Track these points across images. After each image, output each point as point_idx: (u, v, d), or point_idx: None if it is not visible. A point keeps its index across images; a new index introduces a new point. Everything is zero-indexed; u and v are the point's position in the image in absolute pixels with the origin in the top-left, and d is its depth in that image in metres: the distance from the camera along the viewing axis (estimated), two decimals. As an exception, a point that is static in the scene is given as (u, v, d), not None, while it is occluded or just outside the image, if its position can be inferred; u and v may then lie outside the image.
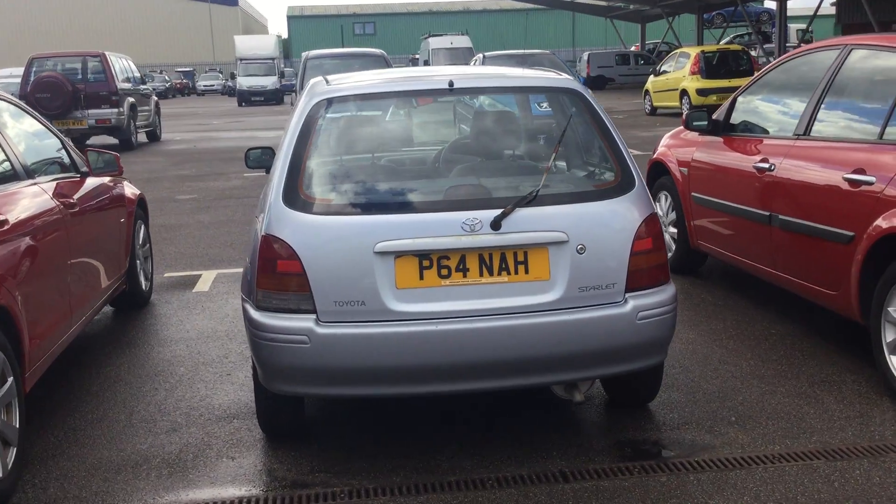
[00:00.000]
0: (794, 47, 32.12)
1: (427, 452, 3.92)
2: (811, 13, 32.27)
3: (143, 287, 6.46)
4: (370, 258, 3.52)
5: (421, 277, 3.54)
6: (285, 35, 75.30)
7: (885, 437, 3.93)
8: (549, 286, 3.61)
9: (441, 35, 34.00)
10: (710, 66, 21.76)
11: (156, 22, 73.50)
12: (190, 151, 18.57)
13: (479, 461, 3.83)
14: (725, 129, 6.09)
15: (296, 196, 3.66)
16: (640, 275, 3.71)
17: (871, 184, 4.43)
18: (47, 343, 4.29)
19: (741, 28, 44.55)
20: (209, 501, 3.59)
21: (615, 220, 3.71)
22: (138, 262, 6.34)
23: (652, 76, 24.66)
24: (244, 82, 41.97)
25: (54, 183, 4.96)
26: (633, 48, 44.85)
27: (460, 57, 30.00)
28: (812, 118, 5.13)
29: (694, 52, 22.52)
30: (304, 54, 16.45)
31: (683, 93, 21.82)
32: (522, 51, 19.37)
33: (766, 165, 5.33)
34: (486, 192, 3.73)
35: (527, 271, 3.60)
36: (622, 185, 3.81)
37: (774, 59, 28.88)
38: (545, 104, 5.10)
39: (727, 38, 41.93)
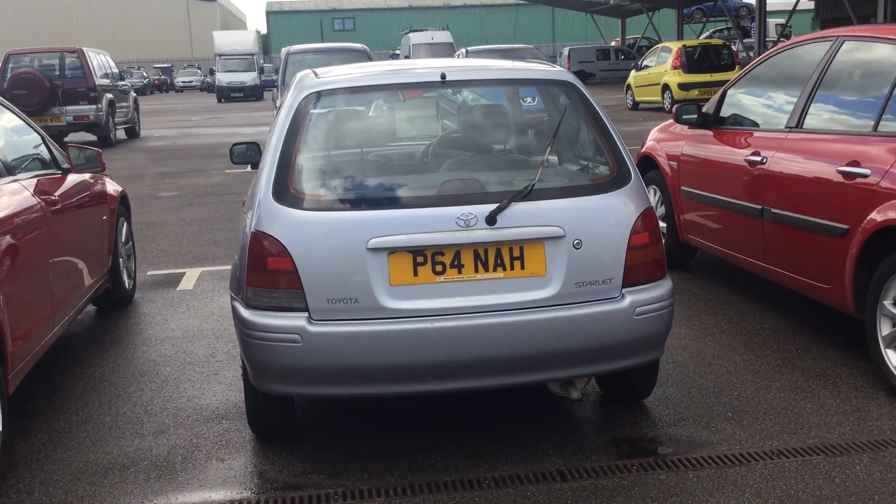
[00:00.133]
0: (774, 42, 32.38)
1: (421, 452, 3.85)
2: (790, 8, 32.35)
3: (127, 286, 6.34)
4: (363, 254, 3.44)
5: (415, 274, 3.47)
6: (264, 31, 74.88)
7: (884, 432, 3.90)
8: (546, 282, 3.54)
9: (422, 30, 33.81)
10: (692, 60, 21.80)
11: (133, 17, 72.89)
12: (170, 148, 18.40)
13: (475, 460, 3.76)
14: (715, 123, 6.05)
15: (286, 192, 3.57)
16: (637, 269, 3.65)
17: (865, 176, 4.39)
18: (30, 344, 4.18)
19: (721, 23, 44.66)
20: (199, 505, 3.51)
21: (612, 214, 3.65)
22: (121, 260, 6.23)
23: (634, 71, 24.68)
24: (223, 78, 41.68)
25: (35, 180, 4.84)
26: (613, 43, 44.84)
27: (441, 52, 29.82)
28: (804, 111, 5.09)
29: (676, 46, 22.55)
30: (285, 49, 16.30)
31: (665, 87, 21.84)
32: (505, 45, 19.30)
33: (758, 158, 5.29)
34: (480, 187, 3.66)
35: (523, 267, 3.53)
36: (618, 179, 3.75)
37: (755, 53, 29.04)
38: (529, 99, 5.04)
39: (707, 33, 42.02)
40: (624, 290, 3.62)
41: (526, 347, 3.50)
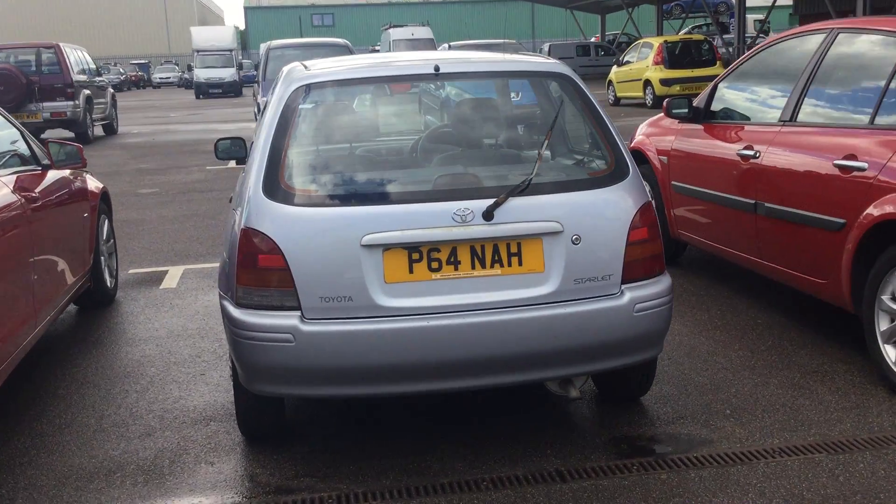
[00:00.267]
0: (753, 38, 32.48)
1: (416, 453, 3.76)
2: (769, 4, 32.46)
3: (108, 284, 6.21)
4: (357, 251, 3.34)
5: (410, 271, 3.38)
6: (242, 26, 74.40)
7: (885, 429, 3.84)
8: (544, 278, 3.46)
9: (402, 26, 33.71)
10: (673, 56, 21.80)
11: (109, 13, 72.26)
12: (149, 144, 18.19)
13: (472, 461, 3.68)
14: (706, 117, 5.99)
15: (276, 187, 3.47)
16: (636, 265, 3.58)
17: (863, 170, 4.34)
18: (11, 345, 4.05)
19: (699, 19, 44.79)
20: (189, 510, 3.41)
21: (610, 209, 3.57)
22: (103, 258, 6.10)
23: (615, 66, 24.67)
24: (201, 74, 41.39)
25: (14, 176, 4.71)
26: (593, 39, 44.87)
27: (421, 48, 29.73)
28: (798, 104, 5.04)
29: (657, 42, 22.54)
30: (265, 45, 16.16)
31: (647, 83, 21.84)
32: (488, 40, 19.23)
33: (751, 153, 5.23)
34: (476, 182, 3.57)
35: (520, 263, 3.45)
36: (616, 173, 3.67)
37: (734, 49, 29.12)
38: (514, 94, 4.95)
39: (686, 29, 42.15)
40: (623, 287, 3.54)
41: (524, 346, 3.42)
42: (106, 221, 6.34)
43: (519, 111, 4.48)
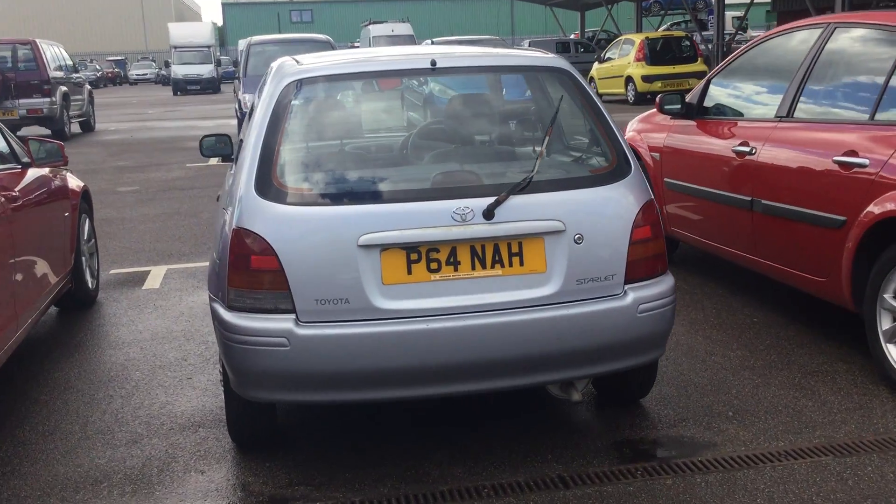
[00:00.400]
0: (731, 35, 32.53)
1: (414, 459, 3.65)
2: (747, 1, 32.53)
3: (90, 285, 6.06)
4: (354, 252, 3.23)
5: (409, 272, 3.27)
6: (220, 22, 73.87)
7: (890, 430, 3.77)
8: (546, 279, 3.36)
9: (382, 22, 33.52)
10: (655, 52, 21.78)
11: (85, 9, 71.54)
12: (127, 142, 17.94)
13: (471, 468, 3.57)
14: (699, 113, 5.92)
15: (269, 186, 3.34)
16: (639, 265, 3.49)
17: (864, 166, 4.27)
18: (-8, 349, 3.91)
19: (678, 16, 44.83)
20: (180, 521, 3.28)
21: (613, 207, 3.48)
22: (83, 258, 5.94)
23: (597, 63, 24.62)
24: (179, 71, 41.07)
25: (-7, 175, 4.56)
26: (572, 36, 44.81)
27: (401, 44, 29.59)
28: (795, 100, 4.96)
29: (638, 38, 22.51)
30: (245, 41, 16.00)
31: (629, 79, 21.81)
32: (472, 36, 19.11)
33: (747, 149, 5.15)
34: (476, 179, 3.46)
35: (522, 263, 3.35)
36: (618, 170, 3.58)
37: (713, 46, 29.18)
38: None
39: (665, 26, 42.18)
40: (626, 287, 3.45)
41: (526, 348, 3.32)
42: (87, 221, 6.18)
43: (514, 107, 4.37)
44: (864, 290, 4.32)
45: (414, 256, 3.27)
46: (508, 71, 4.22)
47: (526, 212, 3.34)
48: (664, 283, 3.57)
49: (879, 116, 4.36)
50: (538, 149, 3.54)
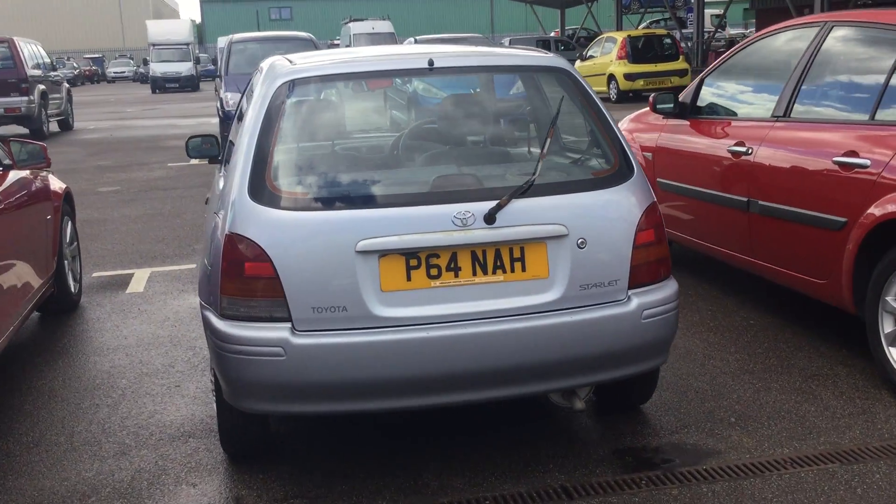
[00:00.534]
0: (710, 33, 32.60)
1: (412, 470, 3.55)
2: (728, -2, 32.63)
3: (72, 289, 5.92)
4: (351, 258, 3.13)
5: (408, 279, 3.17)
6: (198, 20, 73.34)
7: (895, 436, 3.72)
8: (549, 285, 3.27)
9: (362, 20, 33.31)
10: (637, 50, 21.76)
11: (62, 6, 70.85)
12: (107, 141, 17.72)
13: (471, 478, 3.48)
14: (693, 112, 5.85)
15: (263, 189, 3.23)
16: (642, 270, 3.40)
17: (865, 167, 4.21)
18: (-27, 359, 3.78)
19: (657, 14, 44.92)
20: (172, 537, 3.17)
21: (616, 210, 3.39)
22: (66, 262, 5.80)
23: (578, 61, 24.56)
24: (157, 68, 40.73)
25: (-27, 177, 4.42)
26: (552, 34, 44.79)
27: (382, 42, 29.40)
28: (792, 99, 4.90)
29: (620, 36, 22.50)
30: (226, 38, 15.81)
31: (611, 77, 21.78)
32: (456, 34, 19.01)
33: (743, 149, 5.09)
34: (476, 183, 3.37)
35: (524, 269, 3.26)
36: (621, 173, 3.49)
37: (692, 43, 29.18)
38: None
39: (644, 24, 42.25)
40: (630, 292, 3.37)
41: (528, 356, 3.23)
42: (69, 223, 6.04)
43: (510, 107, 4.29)
44: (864, 293, 4.26)
45: (413, 262, 3.17)
46: (507, 71, 4.13)
47: (528, 216, 3.25)
48: (668, 288, 3.49)
49: (880, 116, 4.30)
50: (537, 150, 3.45)
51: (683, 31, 35.92)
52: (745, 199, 5.07)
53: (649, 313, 3.38)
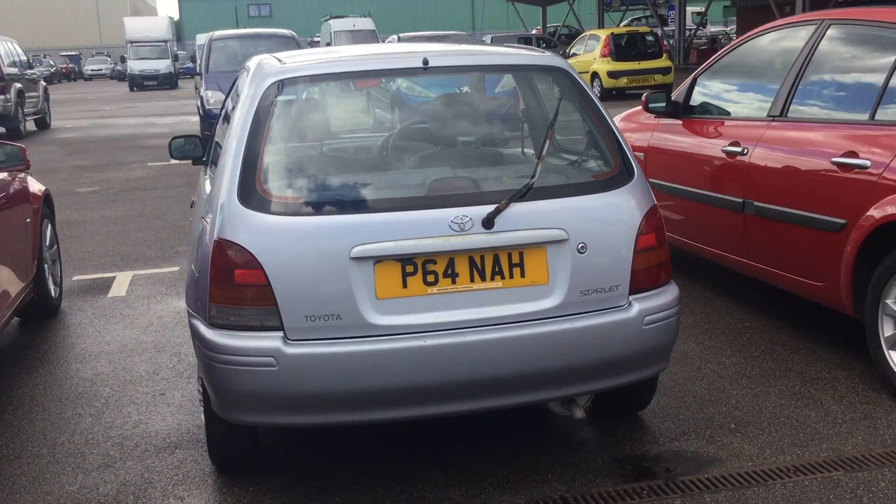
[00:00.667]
0: (692, 31, 32.64)
1: (407, 481, 3.45)
2: (709, -4, 32.67)
3: (53, 294, 5.77)
4: (346, 264, 3.02)
5: (404, 285, 3.07)
6: (176, 17, 72.78)
7: (899, 442, 3.66)
8: (548, 291, 3.18)
9: (343, 17, 33.13)
10: (620, 48, 21.73)
11: (38, 3, 70.08)
12: (85, 140, 17.48)
13: (468, 489, 3.38)
14: (686, 111, 5.78)
15: (252, 193, 3.12)
16: (643, 274, 3.32)
17: (865, 168, 4.14)
18: (-49, 370, 3.64)
19: (638, 11, 44.96)
20: (160, 555, 3.06)
21: (617, 214, 3.30)
22: (46, 265, 5.66)
23: (561, 58, 24.51)
24: (135, 66, 40.37)
25: (-50, 180, 4.28)
26: (534, 31, 44.74)
27: (363, 40, 29.22)
28: (788, 98, 4.83)
29: (604, 34, 22.45)
30: (206, 35, 15.65)
31: (594, 75, 21.73)
32: (439, 32, 18.91)
33: (738, 149, 5.02)
34: (474, 186, 3.27)
35: (523, 275, 3.16)
36: (621, 176, 3.40)
37: (674, 41, 29.19)
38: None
39: (626, 21, 42.29)
40: (631, 298, 3.28)
41: (528, 364, 3.14)
42: (49, 226, 5.90)
43: (506, 108, 4.19)
44: (863, 295, 4.20)
45: (409, 269, 3.07)
46: (505, 70, 4.03)
47: (527, 220, 3.15)
48: (669, 293, 3.41)
49: (880, 116, 4.23)
50: (531, 152, 3.35)
51: (665, 28, 36.02)
52: (740, 200, 5.00)
53: (650, 319, 3.30)
